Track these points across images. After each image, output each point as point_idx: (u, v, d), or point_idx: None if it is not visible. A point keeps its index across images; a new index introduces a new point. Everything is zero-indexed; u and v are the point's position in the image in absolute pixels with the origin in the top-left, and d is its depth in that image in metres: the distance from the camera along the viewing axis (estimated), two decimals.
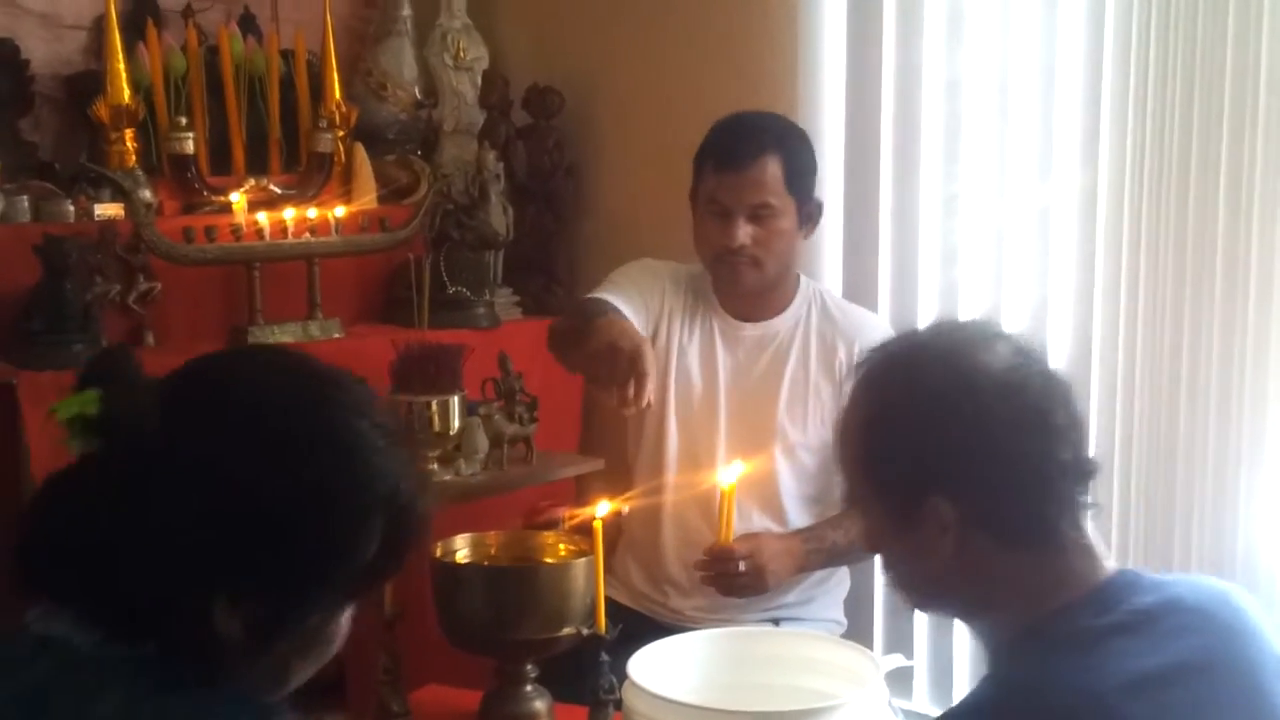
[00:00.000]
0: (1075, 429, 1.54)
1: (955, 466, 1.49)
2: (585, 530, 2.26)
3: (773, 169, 2.61)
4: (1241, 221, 2.60)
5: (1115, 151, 2.79)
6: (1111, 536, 2.75)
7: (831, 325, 2.68)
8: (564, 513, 2.94)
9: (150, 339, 3.20)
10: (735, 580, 2.48)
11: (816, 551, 2.57)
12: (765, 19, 3.39)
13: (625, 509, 2.47)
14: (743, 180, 2.61)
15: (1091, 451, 1.61)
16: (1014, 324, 2.93)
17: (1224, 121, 2.60)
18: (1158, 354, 2.73)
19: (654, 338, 2.71)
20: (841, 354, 2.66)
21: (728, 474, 2.41)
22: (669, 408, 2.74)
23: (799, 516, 2.67)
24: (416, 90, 3.86)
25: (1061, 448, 1.51)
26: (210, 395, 1.40)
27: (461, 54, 3.83)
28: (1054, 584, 1.49)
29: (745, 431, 2.67)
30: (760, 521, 2.65)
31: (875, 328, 2.69)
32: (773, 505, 2.67)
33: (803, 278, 2.76)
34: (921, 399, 1.52)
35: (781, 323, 2.70)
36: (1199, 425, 2.67)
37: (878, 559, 2.42)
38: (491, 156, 3.65)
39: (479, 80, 3.85)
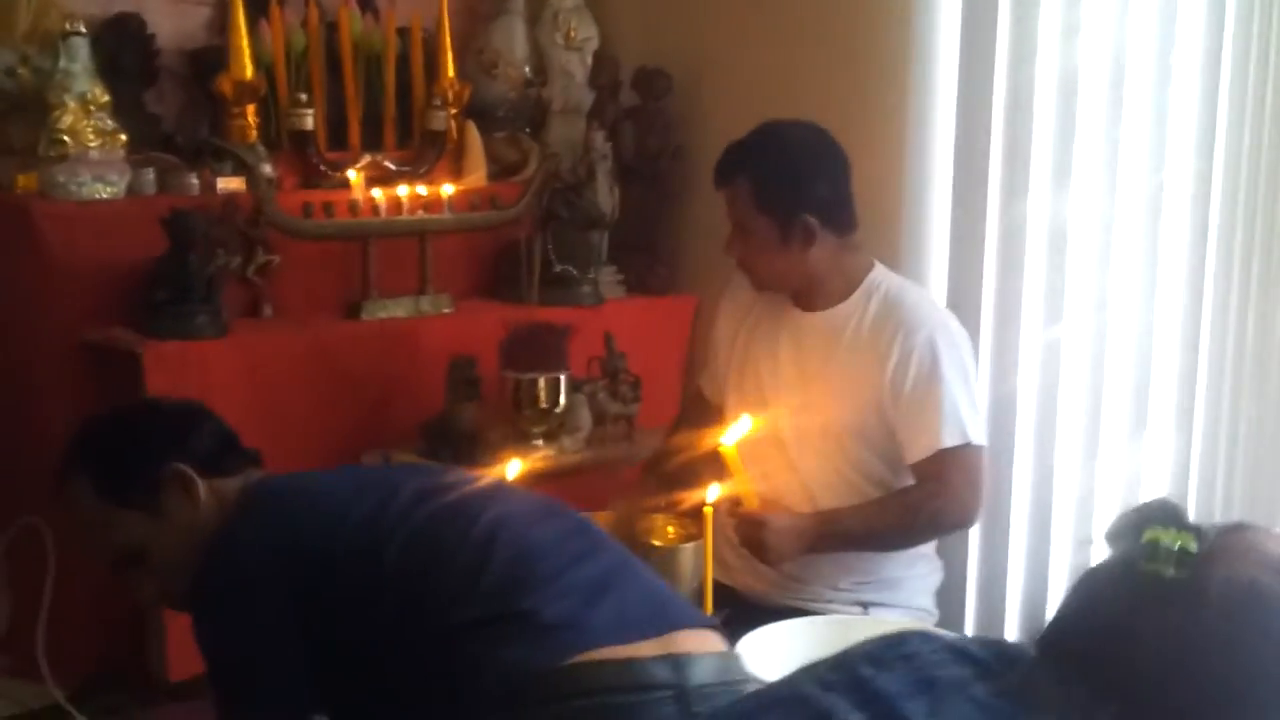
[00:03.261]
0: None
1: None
2: (696, 513, 2.31)
3: (740, 191, 2.70)
4: None
5: (1233, 137, 2.77)
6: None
7: (888, 313, 2.69)
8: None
9: (268, 310, 3.29)
10: (743, 541, 2.57)
11: (828, 535, 2.60)
12: (879, 4, 3.40)
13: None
14: (725, 199, 2.76)
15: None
16: (1123, 315, 2.96)
17: None
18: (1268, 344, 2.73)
19: (726, 353, 2.90)
20: (888, 336, 2.66)
21: (732, 433, 2.46)
22: (738, 393, 2.82)
23: (867, 496, 2.70)
24: (527, 69, 3.92)
25: None
26: None
27: (572, 34, 3.89)
28: None
29: (802, 414, 2.71)
30: (827, 500, 2.69)
31: (928, 311, 2.73)
32: (830, 473, 2.71)
33: (878, 269, 2.78)
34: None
35: (839, 312, 2.73)
36: None
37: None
38: (600, 137, 3.71)
39: (589, 60, 3.90)
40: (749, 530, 2.54)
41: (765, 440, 2.68)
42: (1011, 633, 3.16)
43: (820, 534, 2.59)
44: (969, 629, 3.20)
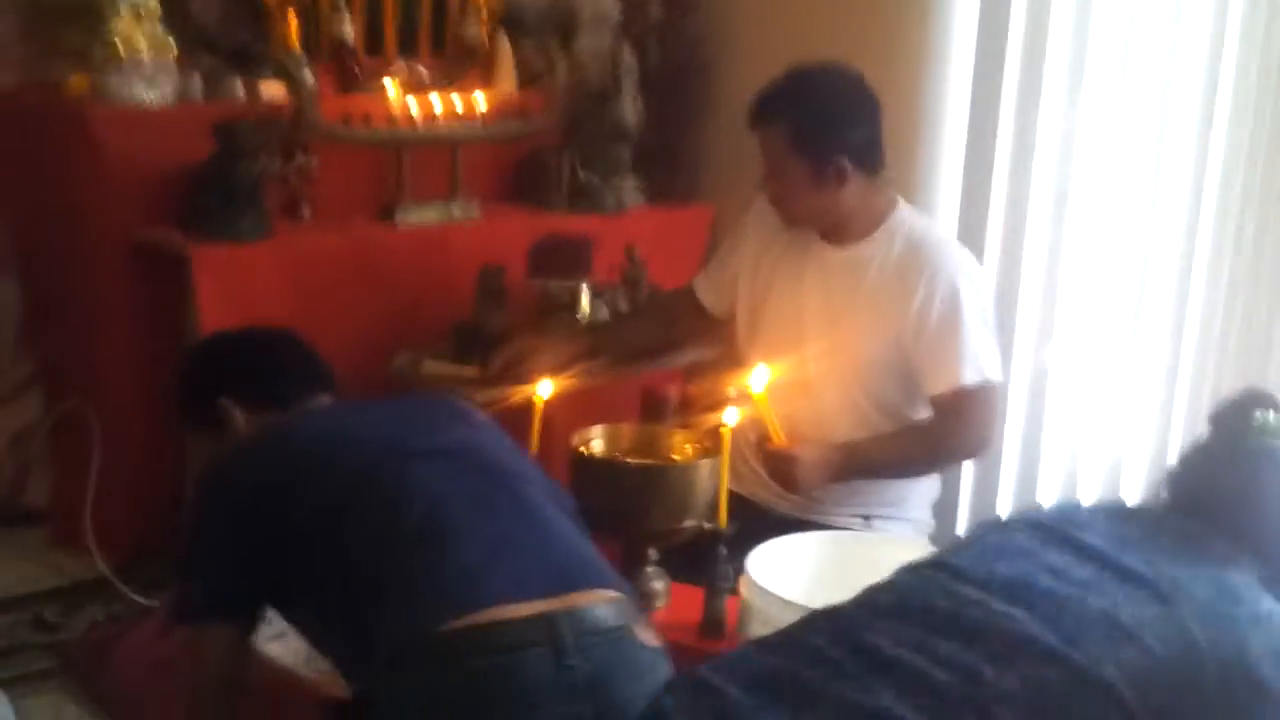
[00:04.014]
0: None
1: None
2: (714, 432, 2.48)
3: (776, 134, 2.77)
4: None
5: (1239, 96, 2.94)
6: None
7: (913, 252, 2.82)
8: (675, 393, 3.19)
9: (306, 212, 3.44)
10: (773, 473, 2.72)
11: (854, 468, 2.76)
12: None
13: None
14: (758, 138, 2.82)
15: None
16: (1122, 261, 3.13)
17: None
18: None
19: (748, 277, 2.98)
20: (913, 276, 2.81)
21: (757, 380, 2.58)
22: (760, 321, 2.95)
23: (877, 423, 2.86)
24: None
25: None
26: None
27: None
28: None
29: (827, 344, 2.85)
30: (841, 427, 2.83)
31: (953, 256, 2.85)
32: (848, 408, 2.87)
33: (901, 206, 2.89)
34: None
35: (865, 248, 2.85)
36: None
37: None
38: (626, 50, 3.82)
39: None
40: (779, 464, 2.68)
41: (785, 368, 2.83)
42: None
43: (845, 465, 2.73)
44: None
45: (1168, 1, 3.04)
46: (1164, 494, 1.79)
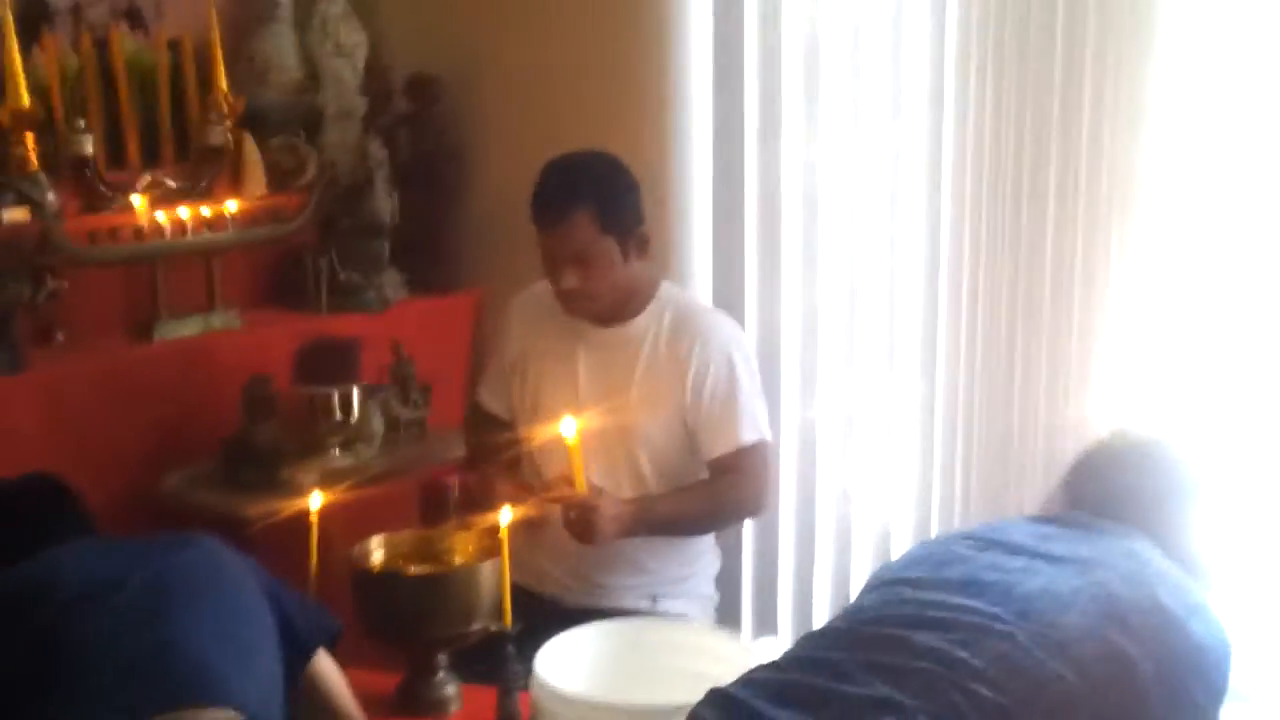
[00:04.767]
0: None
1: None
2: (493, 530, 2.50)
3: (583, 221, 2.81)
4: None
5: (958, 148, 3.12)
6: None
7: (683, 324, 2.93)
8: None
9: (60, 336, 3.36)
10: (569, 523, 2.74)
11: (646, 521, 2.84)
12: (639, 10, 3.61)
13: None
14: (558, 235, 2.83)
15: None
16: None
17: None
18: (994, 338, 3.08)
19: (520, 373, 3.04)
20: (686, 347, 2.90)
21: (567, 427, 2.62)
22: (539, 409, 2.99)
23: (657, 488, 2.93)
24: (299, 75, 4.00)
25: None
26: None
27: (341, 40, 3.97)
28: None
29: (608, 420, 2.91)
30: (624, 492, 2.89)
31: (722, 325, 2.98)
32: (631, 478, 2.94)
33: (664, 284, 3.00)
34: None
35: (635, 326, 2.94)
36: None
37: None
38: (375, 144, 3.83)
39: (360, 66, 3.99)
40: (581, 513, 2.71)
41: (559, 443, 2.87)
42: (784, 611, 3.49)
43: (637, 518, 2.80)
44: (745, 610, 3.50)
45: (887, 64, 3.22)
46: (1061, 498, 2.17)
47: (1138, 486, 2.09)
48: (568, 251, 2.83)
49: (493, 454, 3.03)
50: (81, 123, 3.50)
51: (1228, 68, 2.76)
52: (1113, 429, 2.29)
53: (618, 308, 2.92)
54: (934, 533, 3.21)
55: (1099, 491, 2.12)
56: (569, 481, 2.69)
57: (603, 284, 2.87)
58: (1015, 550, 1.96)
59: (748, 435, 2.88)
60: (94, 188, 3.51)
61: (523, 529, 2.74)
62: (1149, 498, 2.07)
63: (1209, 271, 2.85)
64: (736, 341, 2.97)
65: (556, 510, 2.72)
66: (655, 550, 2.93)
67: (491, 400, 3.13)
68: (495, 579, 2.45)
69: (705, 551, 3.05)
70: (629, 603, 2.89)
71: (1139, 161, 2.87)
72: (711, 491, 2.91)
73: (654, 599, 2.93)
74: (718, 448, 2.89)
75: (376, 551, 2.58)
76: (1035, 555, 1.94)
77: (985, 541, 2.02)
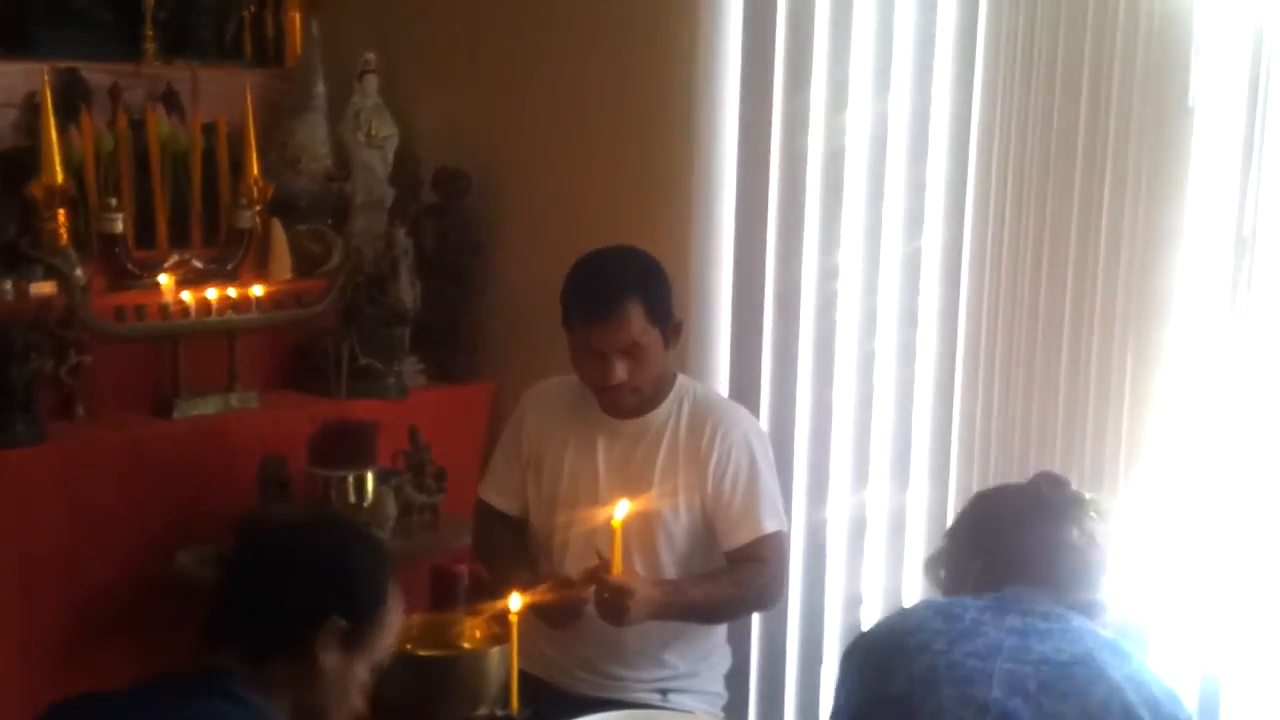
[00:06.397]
0: None
1: None
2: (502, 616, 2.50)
3: (635, 313, 2.82)
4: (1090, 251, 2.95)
5: (977, 241, 3.13)
6: None
7: (700, 413, 2.95)
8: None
9: (80, 410, 3.39)
10: (601, 603, 2.72)
11: (675, 605, 2.83)
12: (664, 112, 3.65)
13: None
14: (609, 328, 2.82)
15: None
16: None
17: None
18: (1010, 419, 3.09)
19: (535, 466, 3.02)
20: (707, 437, 2.92)
21: (618, 510, 2.65)
22: (558, 503, 2.99)
23: (672, 573, 2.94)
24: (329, 163, 4.07)
25: None
26: None
27: (373, 132, 4.05)
28: None
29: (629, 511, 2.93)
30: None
31: (740, 414, 3.00)
32: (647, 567, 2.93)
33: (679, 376, 3.02)
34: None
35: (656, 417, 2.96)
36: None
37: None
38: (401, 233, 3.87)
39: (390, 158, 4.07)
40: (615, 594, 2.68)
41: (581, 533, 2.90)
42: (789, 711, 3.48)
43: (666, 602, 2.78)
44: (752, 707, 3.48)
45: (907, 173, 3.25)
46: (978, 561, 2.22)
47: (1045, 547, 2.17)
48: (620, 344, 2.82)
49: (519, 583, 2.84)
50: (113, 201, 3.56)
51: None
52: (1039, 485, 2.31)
53: (647, 399, 2.95)
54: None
55: (1016, 550, 2.18)
56: (605, 564, 2.69)
57: (649, 375, 2.88)
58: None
59: (769, 524, 2.89)
60: (122, 265, 3.56)
61: (542, 615, 2.75)
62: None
63: (1228, 400, 2.82)
64: (755, 430, 2.99)
65: (588, 594, 2.71)
66: (669, 644, 2.92)
67: (498, 498, 3.09)
68: (504, 664, 2.45)
69: (716, 648, 3.05)
70: (638, 695, 2.88)
71: (1156, 279, 2.88)
72: (736, 578, 2.89)
73: (664, 693, 2.92)
74: (740, 536, 2.88)
75: None
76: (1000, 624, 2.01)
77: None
